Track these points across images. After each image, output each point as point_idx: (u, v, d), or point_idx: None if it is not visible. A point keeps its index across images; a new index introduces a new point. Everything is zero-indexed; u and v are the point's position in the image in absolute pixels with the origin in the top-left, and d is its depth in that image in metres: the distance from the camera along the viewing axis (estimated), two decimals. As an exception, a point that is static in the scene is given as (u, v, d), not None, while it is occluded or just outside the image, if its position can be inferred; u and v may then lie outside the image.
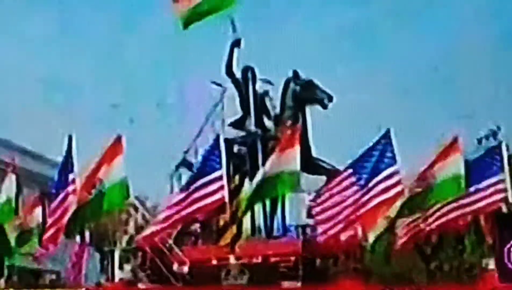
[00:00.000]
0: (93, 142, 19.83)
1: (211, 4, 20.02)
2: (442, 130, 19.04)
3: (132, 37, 56.22)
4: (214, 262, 18.69)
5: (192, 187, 17.47)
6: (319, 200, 17.77)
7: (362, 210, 17.41)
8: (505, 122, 23.91)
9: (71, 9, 60.61)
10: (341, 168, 18.35)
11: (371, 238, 18.85)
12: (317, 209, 17.65)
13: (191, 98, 22.84)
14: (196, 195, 17.40)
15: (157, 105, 28.40)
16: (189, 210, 17.42)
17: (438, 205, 18.67)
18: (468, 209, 18.83)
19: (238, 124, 20.44)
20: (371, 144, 17.46)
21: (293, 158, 17.29)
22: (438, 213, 19.04)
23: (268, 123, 20.42)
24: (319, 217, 17.57)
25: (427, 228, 19.10)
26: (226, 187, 17.29)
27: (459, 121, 21.65)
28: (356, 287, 16.70)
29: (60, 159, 19.12)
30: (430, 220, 19.10)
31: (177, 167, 20.81)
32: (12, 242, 20.14)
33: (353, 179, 17.47)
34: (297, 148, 17.36)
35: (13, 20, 57.26)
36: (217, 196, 17.27)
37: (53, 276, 23.80)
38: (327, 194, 17.74)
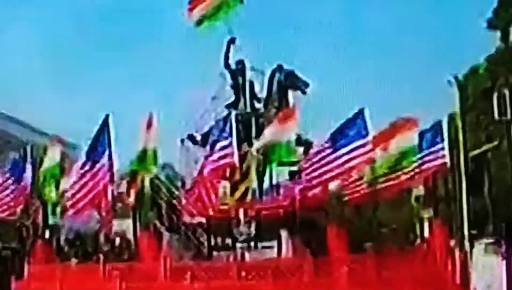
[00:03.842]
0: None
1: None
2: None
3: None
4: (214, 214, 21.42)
5: (210, 152, 20.28)
6: (306, 165, 20.74)
7: (338, 171, 20.43)
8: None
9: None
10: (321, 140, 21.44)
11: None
12: (306, 171, 20.57)
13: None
14: (212, 157, 20.23)
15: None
16: (209, 168, 20.27)
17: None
18: (416, 171, 22.15)
19: (232, 105, 23.32)
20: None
21: (291, 130, 20.27)
22: (392, 175, 22.32)
23: (258, 105, 23.45)
24: (307, 177, 20.50)
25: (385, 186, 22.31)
26: (236, 153, 20.01)
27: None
28: (341, 235, 19.58)
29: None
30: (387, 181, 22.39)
31: (182, 140, 23.41)
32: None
33: (331, 148, 20.43)
34: (294, 122, 20.35)
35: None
36: (228, 159, 20.04)
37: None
38: (311, 160, 20.73)
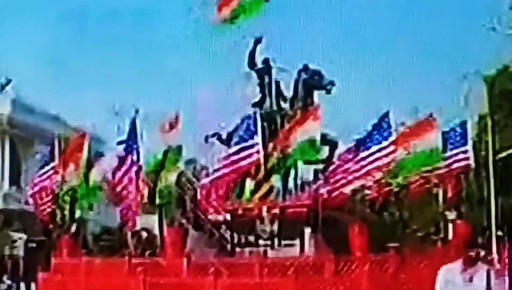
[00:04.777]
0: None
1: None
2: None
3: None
4: (240, 212, 21.92)
5: (235, 150, 20.67)
6: (332, 166, 21.17)
7: (362, 172, 20.74)
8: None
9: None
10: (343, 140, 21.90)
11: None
12: (331, 173, 20.95)
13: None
14: (237, 156, 20.59)
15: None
16: (233, 167, 20.64)
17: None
18: (440, 171, 22.36)
19: (258, 104, 23.61)
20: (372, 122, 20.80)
21: (315, 130, 20.59)
22: (416, 176, 22.54)
23: (284, 104, 23.72)
24: (333, 179, 20.85)
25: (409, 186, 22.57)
26: (261, 151, 20.40)
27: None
28: (364, 234, 19.95)
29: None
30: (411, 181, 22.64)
31: (207, 138, 23.72)
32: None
33: (357, 150, 20.75)
34: (318, 122, 20.67)
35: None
36: (254, 158, 20.45)
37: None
38: (338, 162, 21.16)
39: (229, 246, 21.55)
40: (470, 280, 10.46)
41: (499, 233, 31.29)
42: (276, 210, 21.08)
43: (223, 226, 21.94)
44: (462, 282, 10.48)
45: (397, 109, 21.11)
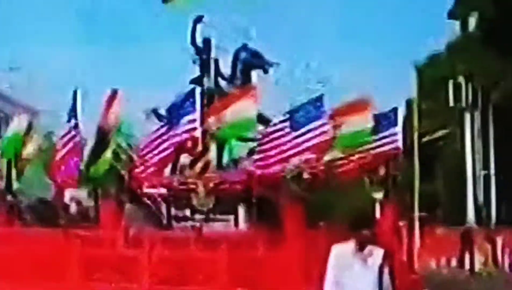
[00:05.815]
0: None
1: None
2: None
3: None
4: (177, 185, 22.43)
5: (171, 126, 21.07)
6: (263, 141, 21.67)
7: (294, 150, 21.34)
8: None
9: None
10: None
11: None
12: (261, 148, 21.50)
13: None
14: (173, 132, 21.00)
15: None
16: (168, 143, 21.07)
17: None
18: (369, 153, 23.21)
19: (196, 81, 24.15)
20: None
21: (249, 108, 21.16)
22: (347, 156, 23.35)
23: (222, 82, 24.34)
24: (264, 154, 21.40)
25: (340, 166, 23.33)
26: (199, 128, 20.85)
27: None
28: (298, 212, 20.53)
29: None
30: (342, 161, 23.43)
31: (147, 114, 24.14)
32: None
33: (289, 127, 21.33)
34: (254, 101, 21.25)
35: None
36: (192, 133, 20.75)
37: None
38: (268, 138, 21.67)
39: (165, 220, 22.08)
40: (364, 261, 10.18)
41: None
42: (211, 185, 21.65)
43: (160, 200, 22.44)
44: (356, 263, 10.21)
45: (331, 91, 21.83)
